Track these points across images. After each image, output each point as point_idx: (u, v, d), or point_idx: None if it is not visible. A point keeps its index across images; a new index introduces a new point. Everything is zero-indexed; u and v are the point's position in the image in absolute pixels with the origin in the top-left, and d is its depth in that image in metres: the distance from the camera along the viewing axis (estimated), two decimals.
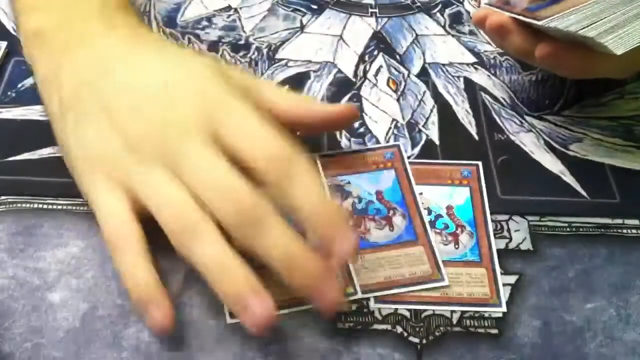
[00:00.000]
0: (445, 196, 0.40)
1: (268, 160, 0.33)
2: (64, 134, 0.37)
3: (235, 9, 0.52)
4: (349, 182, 0.41)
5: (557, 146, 0.44)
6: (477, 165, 0.42)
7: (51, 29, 0.40)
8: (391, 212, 0.39)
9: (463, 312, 0.36)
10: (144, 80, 0.37)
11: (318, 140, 0.43)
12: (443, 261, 0.37)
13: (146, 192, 0.34)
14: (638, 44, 0.36)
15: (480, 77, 0.49)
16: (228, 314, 0.35)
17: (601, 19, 0.37)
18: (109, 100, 0.36)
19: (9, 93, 0.45)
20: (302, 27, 0.51)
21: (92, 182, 0.36)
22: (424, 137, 0.44)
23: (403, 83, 0.48)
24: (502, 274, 0.37)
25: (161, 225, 0.34)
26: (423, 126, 0.45)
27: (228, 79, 0.37)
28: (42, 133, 0.42)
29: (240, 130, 0.34)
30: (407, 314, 0.36)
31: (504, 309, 0.36)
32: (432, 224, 0.39)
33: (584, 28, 0.37)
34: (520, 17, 0.40)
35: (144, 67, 0.38)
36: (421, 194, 0.40)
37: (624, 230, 0.40)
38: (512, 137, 0.45)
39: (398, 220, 0.39)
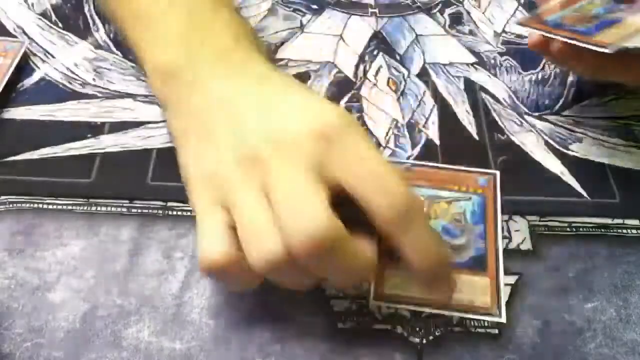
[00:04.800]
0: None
1: (389, 208, 0.31)
2: (186, 152, 0.36)
3: (236, 9, 0.52)
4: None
5: (557, 146, 0.44)
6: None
7: (183, 67, 0.38)
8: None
9: (450, 315, 0.36)
10: (271, 106, 0.35)
11: None
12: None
13: (237, 212, 0.32)
14: None
15: (480, 77, 0.49)
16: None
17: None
18: (235, 118, 0.34)
19: (9, 93, 0.45)
20: (302, 27, 0.51)
21: (199, 197, 0.34)
22: (424, 137, 0.44)
23: (403, 83, 0.48)
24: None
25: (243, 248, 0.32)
26: (423, 126, 0.45)
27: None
28: (42, 133, 0.42)
29: (358, 163, 0.32)
30: (407, 314, 0.36)
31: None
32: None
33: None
34: (585, 45, 0.38)
35: (271, 102, 0.35)
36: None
37: (624, 230, 0.40)
38: (512, 137, 0.45)
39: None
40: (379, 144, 0.44)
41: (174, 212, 0.40)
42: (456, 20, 0.53)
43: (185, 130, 0.37)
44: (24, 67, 0.46)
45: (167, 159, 0.42)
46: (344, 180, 0.31)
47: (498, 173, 0.41)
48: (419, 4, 0.54)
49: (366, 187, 0.31)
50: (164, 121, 0.44)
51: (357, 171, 0.32)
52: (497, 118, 0.46)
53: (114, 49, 0.48)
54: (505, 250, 0.39)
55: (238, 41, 0.39)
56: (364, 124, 0.45)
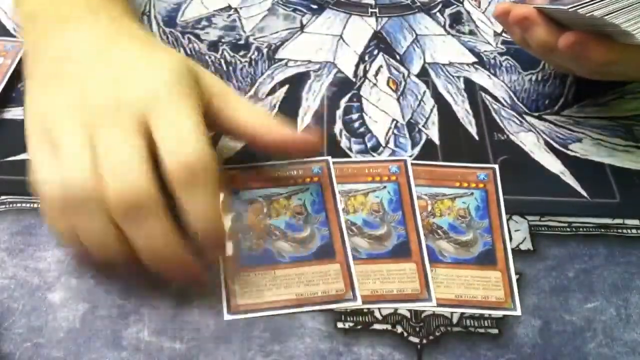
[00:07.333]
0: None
1: (178, 165, 0.33)
2: (31, 90, 0.38)
3: (235, 9, 0.52)
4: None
5: (557, 146, 0.44)
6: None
7: (41, 11, 0.41)
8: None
9: (463, 312, 0.36)
10: (104, 66, 0.37)
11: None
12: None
13: (62, 152, 0.34)
14: None
15: (480, 77, 0.49)
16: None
17: (628, 7, 0.36)
18: (64, 70, 0.37)
19: (9, 93, 0.45)
20: (302, 27, 0.51)
21: (30, 136, 0.36)
22: (424, 137, 0.44)
23: (403, 83, 0.48)
24: None
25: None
26: (423, 126, 0.45)
27: (195, 81, 0.37)
28: None
29: (168, 129, 0.34)
30: (407, 314, 0.36)
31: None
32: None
33: (610, 14, 0.36)
34: (546, 7, 0.40)
35: (109, 58, 0.38)
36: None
37: (624, 230, 0.40)
38: (512, 137, 0.45)
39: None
40: (379, 144, 0.44)
41: None
42: (456, 20, 0.53)
43: (32, 74, 0.39)
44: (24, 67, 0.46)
45: None
46: (155, 140, 0.34)
47: (497, 167, 0.41)
48: (419, 4, 0.54)
49: (166, 145, 0.34)
50: None
51: (165, 135, 0.34)
52: (497, 118, 0.46)
53: None
54: None
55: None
56: (364, 123, 0.45)
